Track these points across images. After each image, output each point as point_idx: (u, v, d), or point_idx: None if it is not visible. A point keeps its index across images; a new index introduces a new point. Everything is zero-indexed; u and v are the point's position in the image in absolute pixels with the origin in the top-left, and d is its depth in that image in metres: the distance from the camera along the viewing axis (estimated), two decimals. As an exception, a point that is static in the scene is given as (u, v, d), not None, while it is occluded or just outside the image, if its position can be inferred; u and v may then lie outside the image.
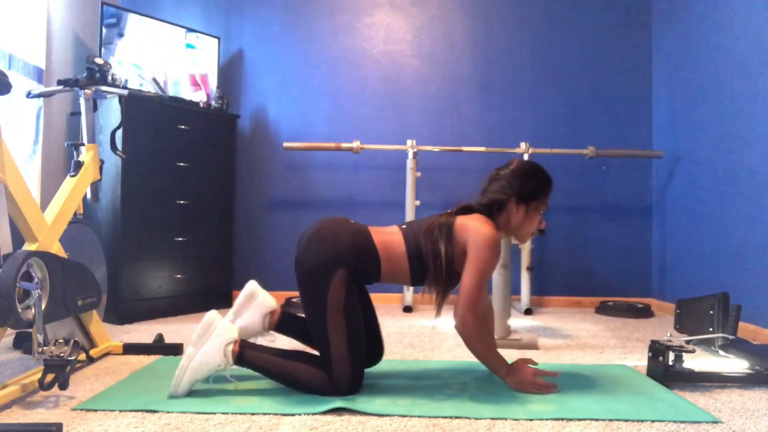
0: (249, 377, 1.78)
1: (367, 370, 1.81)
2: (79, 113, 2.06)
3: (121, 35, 3.08)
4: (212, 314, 1.68)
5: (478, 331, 1.64)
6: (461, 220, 1.70)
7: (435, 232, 1.69)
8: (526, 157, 3.28)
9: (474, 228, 1.66)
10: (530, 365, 1.77)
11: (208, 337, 1.64)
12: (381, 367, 1.92)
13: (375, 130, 3.67)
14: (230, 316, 1.80)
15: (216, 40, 3.51)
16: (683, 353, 1.82)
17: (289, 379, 1.63)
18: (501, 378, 1.72)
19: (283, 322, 1.84)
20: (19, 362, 1.97)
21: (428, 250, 1.67)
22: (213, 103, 3.37)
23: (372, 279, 1.72)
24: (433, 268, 1.67)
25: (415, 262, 1.68)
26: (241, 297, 1.83)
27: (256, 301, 1.82)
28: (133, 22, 3.11)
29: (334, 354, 1.59)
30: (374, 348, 1.82)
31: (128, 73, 3.09)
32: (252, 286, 1.85)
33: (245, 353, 1.64)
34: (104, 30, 3.02)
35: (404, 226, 1.77)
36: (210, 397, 1.59)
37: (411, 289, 3.30)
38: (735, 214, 2.80)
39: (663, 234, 3.55)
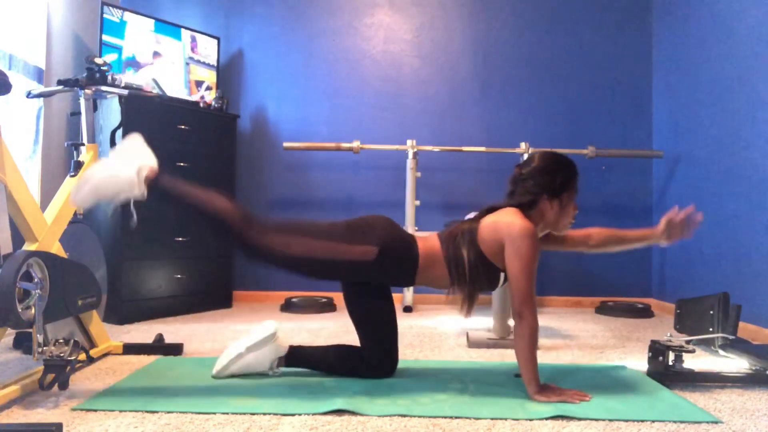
0: (249, 376, 1.78)
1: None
2: (79, 113, 2.06)
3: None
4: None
5: (533, 327, 1.60)
6: (491, 218, 1.70)
7: (458, 238, 1.70)
8: (525, 157, 3.28)
9: (506, 223, 1.65)
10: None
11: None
12: (381, 367, 1.93)
13: (375, 130, 3.67)
14: (241, 348, 1.77)
15: (216, 40, 3.51)
16: (683, 353, 1.82)
17: (201, 208, 1.63)
18: (530, 390, 1.62)
19: (291, 360, 1.83)
20: (19, 362, 1.97)
21: (450, 256, 1.69)
22: (213, 103, 3.36)
23: (404, 275, 1.73)
24: (456, 273, 1.68)
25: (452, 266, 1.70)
26: (259, 336, 1.78)
27: (272, 344, 1.79)
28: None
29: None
30: (391, 360, 1.81)
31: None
32: (272, 327, 1.80)
33: (161, 179, 1.60)
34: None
35: (440, 232, 1.79)
36: (210, 397, 1.59)
37: (411, 289, 3.30)
38: (735, 214, 2.80)
39: (663, 234, 3.54)
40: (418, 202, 3.29)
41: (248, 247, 1.64)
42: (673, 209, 1.82)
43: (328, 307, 3.28)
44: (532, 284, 1.61)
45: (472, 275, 1.67)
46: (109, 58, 3.01)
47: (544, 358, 2.14)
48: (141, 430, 1.35)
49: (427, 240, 1.76)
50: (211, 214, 1.62)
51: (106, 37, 3.01)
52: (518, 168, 1.80)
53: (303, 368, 1.84)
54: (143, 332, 2.55)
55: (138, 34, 3.16)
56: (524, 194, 1.73)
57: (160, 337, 2.16)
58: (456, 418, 1.46)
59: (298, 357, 1.83)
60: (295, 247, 1.63)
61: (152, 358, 2.04)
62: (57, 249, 1.80)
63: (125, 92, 2.05)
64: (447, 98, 3.71)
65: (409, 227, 3.24)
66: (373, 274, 1.71)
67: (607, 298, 3.58)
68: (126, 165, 1.58)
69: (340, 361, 1.81)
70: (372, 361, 1.78)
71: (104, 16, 3.00)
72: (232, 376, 1.78)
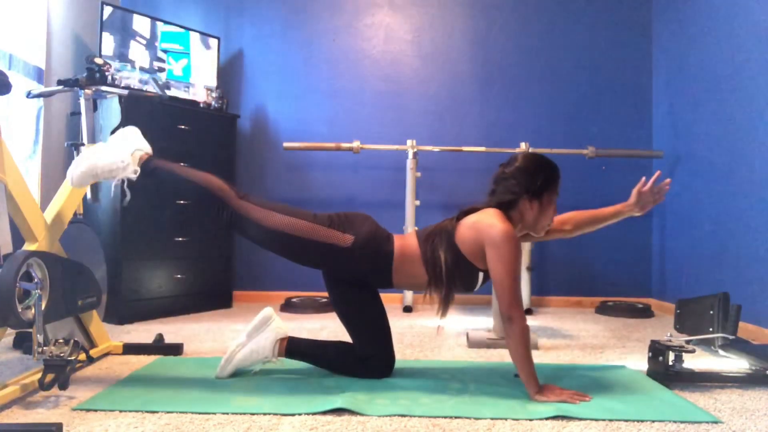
0: (250, 375, 1.78)
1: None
2: (79, 113, 2.06)
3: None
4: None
5: (524, 327, 1.60)
6: (471, 218, 1.71)
7: (435, 239, 1.71)
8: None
9: (486, 225, 1.65)
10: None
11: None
12: (381, 367, 1.92)
13: (375, 130, 3.67)
14: (241, 338, 1.81)
15: (216, 40, 3.51)
16: (683, 353, 1.82)
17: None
18: (529, 391, 1.62)
19: (291, 349, 1.85)
20: (19, 362, 1.97)
21: (428, 256, 1.70)
22: (213, 103, 3.36)
23: (380, 270, 1.74)
24: (432, 275, 1.69)
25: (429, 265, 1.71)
26: (256, 320, 1.83)
27: (270, 326, 1.83)
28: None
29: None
30: (387, 360, 1.82)
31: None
32: (268, 311, 1.86)
33: (154, 159, 1.75)
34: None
35: (419, 230, 1.81)
36: (210, 397, 1.59)
37: (411, 289, 3.30)
38: (735, 214, 2.80)
39: (663, 234, 3.55)
40: (418, 202, 3.29)
41: (230, 214, 1.71)
42: (641, 180, 1.91)
43: (328, 307, 3.27)
44: (518, 286, 1.63)
45: (448, 277, 1.68)
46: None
47: (544, 358, 2.14)
48: (141, 430, 1.35)
49: (405, 238, 1.78)
50: (201, 183, 1.72)
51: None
52: (502, 166, 1.81)
53: (302, 361, 1.86)
54: (143, 332, 2.55)
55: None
56: (505, 193, 1.74)
57: (160, 337, 2.16)
58: (456, 418, 1.46)
59: (297, 348, 1.84)
60: (276, 220, 1.69)
61: (152, 358, 2.04)
62: (57, 249, 1.80)
63: (125, 92, 2.06)
64: (447, 98, 3.70)
65: (409, 227, 3.24)
66: (348, 263, 1.72)
67: (607, 298, 3.58)
68: (121, 147, 1.71)
69: (339, 358, 1.83)
70: (368, 360, 1.79)
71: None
72: (236, 372, 1.80)
